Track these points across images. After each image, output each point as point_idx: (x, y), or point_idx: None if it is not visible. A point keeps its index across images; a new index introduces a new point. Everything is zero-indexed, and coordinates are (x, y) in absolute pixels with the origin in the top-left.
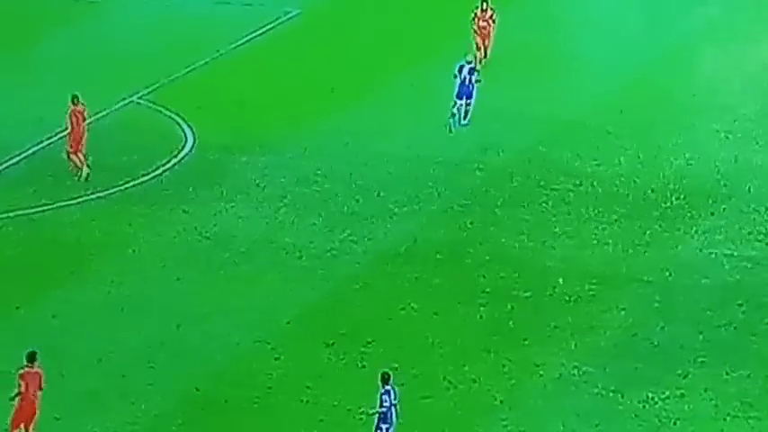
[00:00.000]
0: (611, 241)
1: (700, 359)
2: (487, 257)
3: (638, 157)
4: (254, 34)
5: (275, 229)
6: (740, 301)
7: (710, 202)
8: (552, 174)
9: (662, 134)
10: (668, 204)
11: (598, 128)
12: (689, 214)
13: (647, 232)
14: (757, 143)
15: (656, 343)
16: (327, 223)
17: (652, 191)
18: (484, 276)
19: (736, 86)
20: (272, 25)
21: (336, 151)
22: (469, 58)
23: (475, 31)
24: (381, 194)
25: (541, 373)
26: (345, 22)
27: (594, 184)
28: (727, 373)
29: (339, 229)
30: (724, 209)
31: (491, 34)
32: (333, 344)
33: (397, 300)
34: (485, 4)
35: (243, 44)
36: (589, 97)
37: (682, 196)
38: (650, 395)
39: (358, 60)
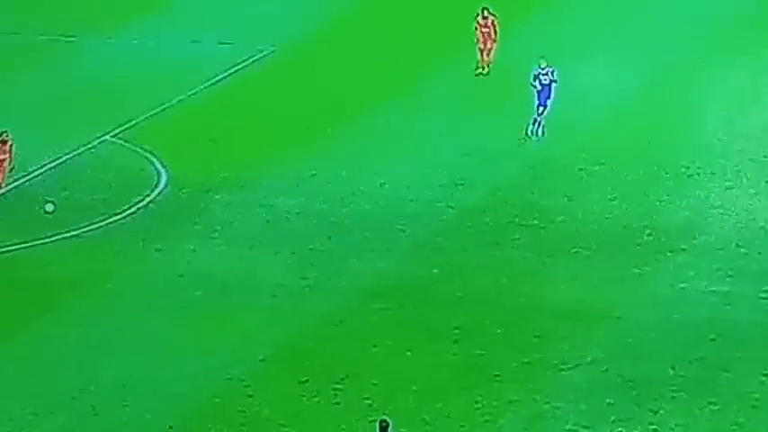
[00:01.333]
0: (582, 278)
1: (672, 394)
2: (460, 294)
3: (610, 194)
4: (228, 72)
5: (249, 267)
6: (712, 337)
7: (682, 238)
8: (523, 211)
9: (633, 171)
10: (640, 241)
11: (569, 165)
12: (660, 250)
13: (619, 268)
14: (728, 180)
15: (627, 378)
16: (301, 261)
17: (623, 227)
18: (456, 313)
19: (706, 124)
20: (245, 63)
21: (310, 189)
22: (543, 63)
23: (479, 40)
24: (354, 232)
25: (514, 409)
26: (319, 60)
27: (566, 220)
28: (699, 409)
29: (312, 267)
30: (695, 245)
31: (493, 40)
32: (306, 381)
33: (370, 337)
34: (485, 12)
35: (217, 82)
36: (561, 134)
37: (653, 233)
38: (622, 430)
39: (331, 98)
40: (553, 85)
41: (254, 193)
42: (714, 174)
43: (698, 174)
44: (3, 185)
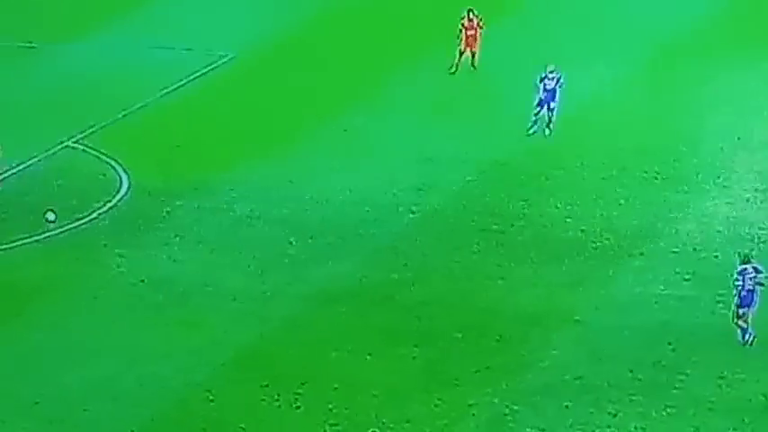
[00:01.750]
0: (542, 282)
1: (630, 397)
2: (420, 299)
3: (569, 198)
4: (188, 78)
5: (210, 272)
6: (669, 340)
7: (640, 242)
8: (484, 215)
9: (592, 175)
10: (598, 245)
11: (529, 169)
12: (619, 254)
13: (578, 272)
14: (685, 184)
15: (586, 382)
16: (262, 266)
17: (582, 231)
18: (417, 318)
19: (665, 128)
20: (207, 69)
21: (271, 194)
22: (550, 67)
23: (462, 41)
24: (315, 237)
25: (474, 413)
26: (279, 66)
27: (526, 225)
28: (656, 412)
29: (274, 272)
30: (653, 250)
31: (478, 41)
32: (267, 386)
33: (330, 341)
34: (470, 14)
35: (178, 88)
36: (520, 139)
37: (612, 237)
38: None
39: (292, 104)
40: (558, 89)
41: (216, 199)
42: (672, 179)
43: (656, 179)
44: None
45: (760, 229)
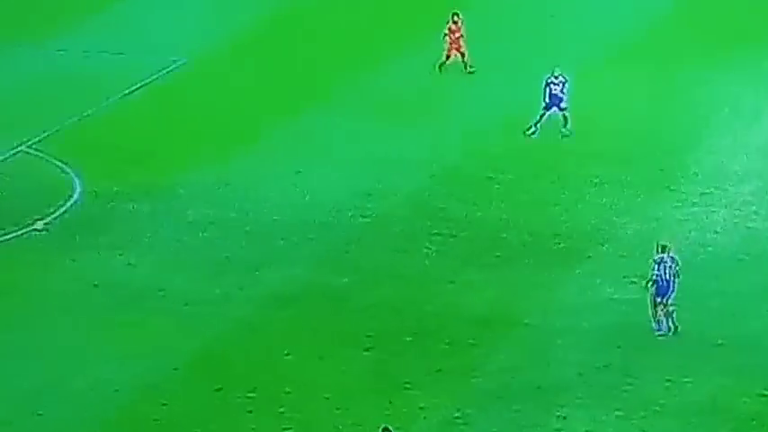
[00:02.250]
0: (491, 285)
1: (579, 401)
2: (371, 302)
3: (518, 203)
4: (141, 83)
5: (163, 276)
6: (618, 344)
7: (588, 246)
8: (433, 219)
9: (541, 179)
10: (547, 249)
11: (478, 173)
12: (567, 258)
13: (527, 276)
14: (632, 188)
15: (535, 385)
16: (214, 269)
17: (531, 235)
18: (368, 321)
19: (613, 132)
20: (159, 74)
21: (222, 198)
22: (556, 71)
23: (449, 44)
24: (267, 240)
25: (424, 416)
26: (231, 70)
27: (475, 229)
28: (605, 415)
29: (225, 275)
30: (601, 253)
31: (464, 42)
32: (220, 389)
33: (282, 344)
34: (456, 17)
35: (131, 93)
36: (470, 142)
37: (560, 241)
38: None
39: (245, 108)
40: (564, 93)
41: (168, 203)
42: (619, 182)
43: (604, 183)
44: None
45: (707, 232)
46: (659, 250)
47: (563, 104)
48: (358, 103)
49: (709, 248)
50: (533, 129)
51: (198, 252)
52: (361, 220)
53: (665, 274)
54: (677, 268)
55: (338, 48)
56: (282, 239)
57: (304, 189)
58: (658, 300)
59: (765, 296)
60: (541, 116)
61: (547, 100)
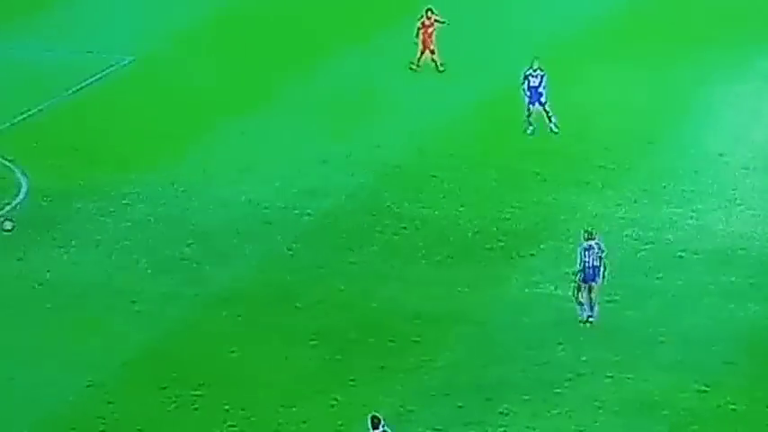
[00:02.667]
0: (436, 282)
1: (521, 397)
2: (316, 300)
3: (462, 200)
4: (88, 81)
5: (109, 274)
6: (559, 340)
7: (531, 243)
8: (378, 217)
9: (484, 177)
10: (491, 246)
11: (423, 171)
12: (511, 255)
13: (471, 273)
14: (575, 186)
15: (478, 381)
16: (160, 267)
17: (475, 233)
18: (314, 318)
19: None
20: (105, 72)
21: (169, 197)
22: (535, 64)
23: (421, 40)
24: (213, 239)
25: (369, 412)
26: (177, 69)
27: (420, 226)
28: (547, 411)
29: (171, 273)
30: (544, 249)
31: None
32: (166, 387)
33: (228, 342)
34: (429, 12)
35: (77, 91)
36: (415, 140)
37: (504, 238)
38: None
39: (191, 107)
40: (542, 86)
41: (114, 201)
42: (562, 180)
43: (547, 180)
44: None
45: (649, 229)
46: (586, 237)
47: (542, 99)
48: (303, 101)
49: (650, 245)
50: (529, 127)
51: (144, 250)
52: (306, 217)
53: (591, 260)
54: (603, 254)
55: (284, 46)
56: (228, 238)
57: (249, 187)
58: (584, 285)
59: (704, 293)
60: (528, 113)
61: (528, 93)
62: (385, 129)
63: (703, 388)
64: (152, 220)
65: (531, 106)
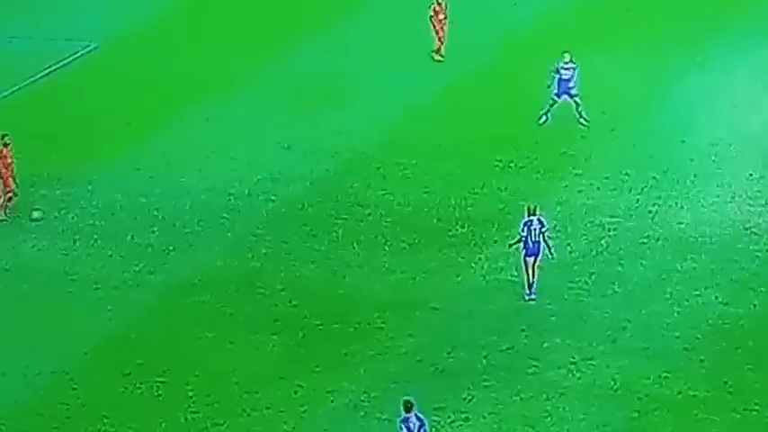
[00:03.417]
0: (399, 269)
1: (484, 383)
2: (280, 286)
3: (426, 187)
4: (51, 68)
5: (73, 261)
6: (522, 327)
7: (494, 230)
8: (342, 204)
9: (448, 164)
10: (454, 233)
11: (386, 158)
12: (473, 242)
13: (434, 260)
14: (538, 172)
15: (441, 368)
16: (124, 254)
17: (438, 220)
18: (277, 305)
19: (519, 117)
20: (70, 59)
21: (133, 183)
22: (566, 57)
23: (434, 25)
24: (177, 225)
25: (332, 399)
26: (141, 56)
27: (383, 213)
28: (509, 397)
29: (136, 260)
30: (506, 237)
31: (445, 29)
32: (130, 374)
33: (192, 329)
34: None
35: (40, 78)
36: (378, 128)
37: (466, 225)
38: (436, 419)
39: (155, 93)
40: (574, 79)
41: (79, 188)
42: (526, 167)
43: (510, 167)
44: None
45: (612, 216)
46: (528, 213)
47: (573, 91)
48: (267, 87)
49: (613, 232)
50: (544, 117)
51: (108, 237)
52: (270, 204)
53: (532, 235)
54: (545, 230)
55: (248, 32)
56: (192, 224)
57: (214, 174)
58: (527, 260)
59: (667, 280)
60: (552, 104)
61: (558, 86)
62: (349, 116)
63: (665, 374)
64: (116, 206)
65: (556, 98)
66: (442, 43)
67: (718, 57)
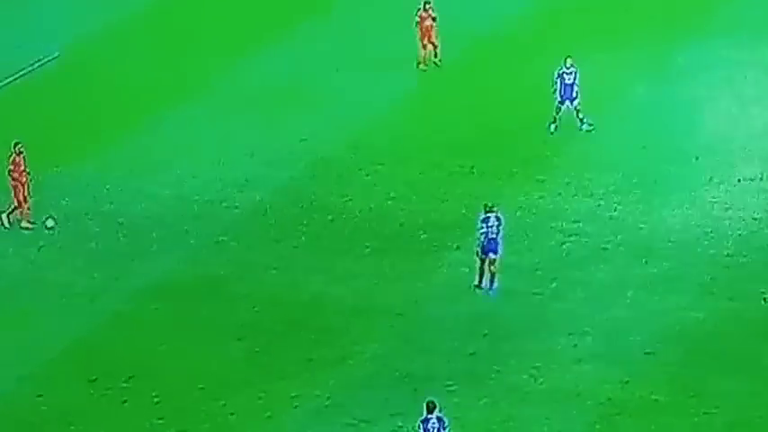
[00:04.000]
0: (363, 275)
1: (447, 388)
2: (244, 293)
3: (389, 193)
4: (13, 76)
5: (38, 268)
6: (485, 332)
7: (457, 235)
8: (305, 210)
9: (410, 170)
10: (417, 238)
11: (349, 164)
12: (436, 248)
13: (398, 266)
14: (500, 178)
15: (405, 373)
16: (90, 261)
17: (401, 225)
18: (241, 311)
19: (480, 123)
20: (30, 67)
21: (98, 190)
22: (568, 62)
23: (420, 32)
24: (141, 232)
25: (296, 404)
26: (105, 63)
27: (347, 219)
28: (473, 402)
29: (101, 267)
30: (469, 242)
31: (436, 31)
32: (95, 380)
33: (158, 335)
34: (427, 5)
35: (5, 85)
36: (341, 133)
37: (429, 230)
38: (400, 424)
39: (117, 100)
40: (576, 83)
41: (43, 194)
42: (487, 173)
43: (472, 172)
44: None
45: (573, 221)
46: (485, 210)
47: (574, 96)
48: (230, 93)
49: (573, 237)
50: (552, 125)
51: (72, 244)
52: (234, 211)
53: (489, 232)
54: (501, 227)
55: (210, 38)
56: (156, 231)
57: (177, 180)
58: (484, 257)
59: (628, 285)
60: (558, 110)
61: (561, 92)
62: (312, 122)
63: (626, 378)
64: (81, 213)
65: (560, 105)
66: (426, 51)
67: (681, 65)
